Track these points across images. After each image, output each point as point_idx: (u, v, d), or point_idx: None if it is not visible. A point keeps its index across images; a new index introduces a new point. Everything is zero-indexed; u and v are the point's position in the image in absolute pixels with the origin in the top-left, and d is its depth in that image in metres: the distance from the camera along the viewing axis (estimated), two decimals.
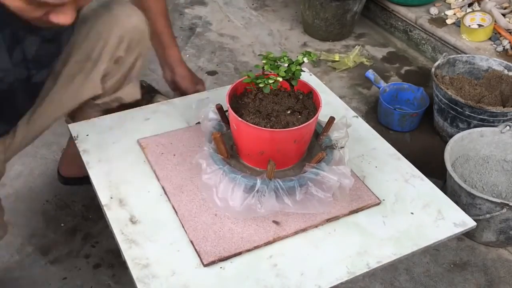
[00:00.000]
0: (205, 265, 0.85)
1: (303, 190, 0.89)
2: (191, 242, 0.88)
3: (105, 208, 0.94)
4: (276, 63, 0.90)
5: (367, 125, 1.18)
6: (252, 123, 0.86)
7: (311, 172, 0.89)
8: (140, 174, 1.01)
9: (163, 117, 1.16)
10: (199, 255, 0.86)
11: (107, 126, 1.12)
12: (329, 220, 0.94)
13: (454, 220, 0.96)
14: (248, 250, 0.88)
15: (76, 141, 1.08)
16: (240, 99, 0.94)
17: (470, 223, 0.96)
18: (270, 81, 0.86)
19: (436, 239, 0.93)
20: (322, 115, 0.95)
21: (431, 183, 1.04)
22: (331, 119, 0.97)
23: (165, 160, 1.04)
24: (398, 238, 0.92)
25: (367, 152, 1.10)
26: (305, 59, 0.90)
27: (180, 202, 0.95)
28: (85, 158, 1.04)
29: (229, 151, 0.94)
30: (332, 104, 1.22)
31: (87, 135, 1.10)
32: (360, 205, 0.97)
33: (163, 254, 0.87)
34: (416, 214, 0.97)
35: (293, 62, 0.91)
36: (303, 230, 0.92)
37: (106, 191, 0.97)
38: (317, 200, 0.88)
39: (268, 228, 0.92)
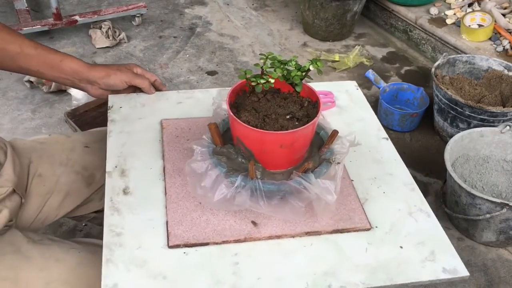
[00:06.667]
0: (169, 247, 0.87)
1: (279, 195, 0.87)
2: (166, 222, 0.91)
3: (106, 175, 1.00)
4: (281, 65, 0.89)
5: (394, 149, 1.12)
6: (242, 121, 0.87)
7: (295, 180, 0.87)
8: (150, 151, 1.06)
9: (195, 103, 1.21)
10: (168, 236, 0.89)
11: (141, 103, 1.19)
12: (308, 234, 0.91)
13: (445, 265, 0.88)
14: (216, 243, 0.89)
15: (109, 111, 1.16)
16: (248, 97, 0.94)
17: (462, 272, 0.87)
18: (262, 81, 0.86)
19: (415, 279, 0.86)
20: (345, 131, 0.92)
21: (437, 221, 0.96)
22: (334, 132, 0.94)
23: (177, 143, 1.08)
24: (374, 268, 0.87)
25: (382, 176, 1.05)
26: (311, 67, 0.88)
27: (173, 184, 0.99)
28: (109, 127, 1.12)
29: (226, 143, 0.95)
30: (365, 121, 1.17)
31: (121, 107, 1.17)
32: (347, 226, 0.93)
33: (138, 228, 0.91)
34: (405, 249, 0.90)
35: (301, 67, 0.89)
36: (278, 237, 0.90)
37: (114, 160, 1.03)
38: (290, 207, 0.86)
39: (244, 227, 0.91)
